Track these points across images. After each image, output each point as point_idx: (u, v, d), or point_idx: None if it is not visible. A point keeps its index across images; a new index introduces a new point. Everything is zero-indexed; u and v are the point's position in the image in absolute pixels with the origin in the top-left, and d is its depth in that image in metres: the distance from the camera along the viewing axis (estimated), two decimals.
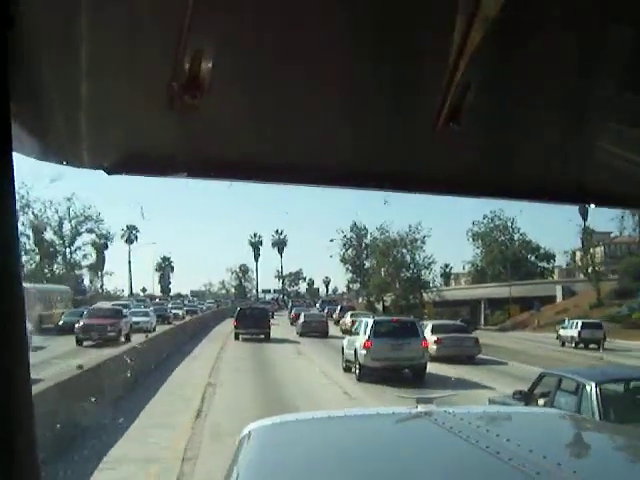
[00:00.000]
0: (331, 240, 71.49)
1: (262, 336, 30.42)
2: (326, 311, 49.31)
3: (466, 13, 0.70)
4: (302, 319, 34.86)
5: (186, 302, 67.45)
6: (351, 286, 77.90)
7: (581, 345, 30.56)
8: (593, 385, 6.61)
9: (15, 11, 0.69)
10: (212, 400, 13.87)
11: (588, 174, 1.04)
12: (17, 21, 0.69)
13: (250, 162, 0.94)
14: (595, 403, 6.44)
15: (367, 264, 71.38)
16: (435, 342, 21.39)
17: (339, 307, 51.97)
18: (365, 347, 18.33)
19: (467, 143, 0.93)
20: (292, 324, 41.05)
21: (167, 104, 0.77)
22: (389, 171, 0.99)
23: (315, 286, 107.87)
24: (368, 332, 18.69)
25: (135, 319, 31.94)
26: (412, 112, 0.88)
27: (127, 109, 0.85)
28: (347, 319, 37.46)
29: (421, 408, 2.80)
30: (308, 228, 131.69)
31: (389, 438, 2.68)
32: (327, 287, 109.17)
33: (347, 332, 32.20)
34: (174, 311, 48.53)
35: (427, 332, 21.25)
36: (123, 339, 26.40)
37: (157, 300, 69.40)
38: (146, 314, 35.38)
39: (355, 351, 18.69)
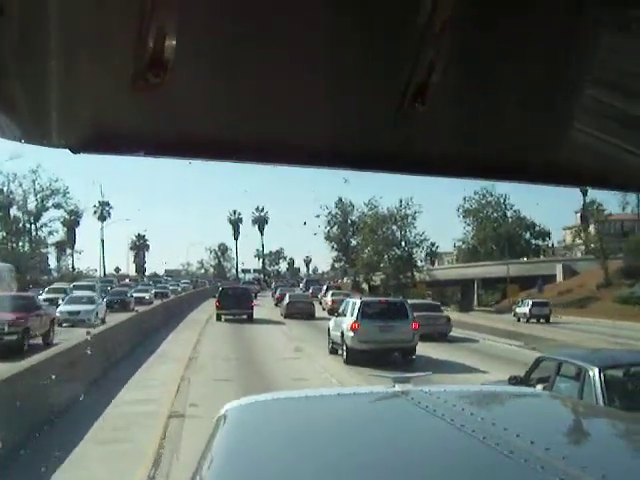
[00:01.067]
0: (317, 216, 71.10)
1: (245, 317, 30.94)
2: (311, 291, 49.77)
3: None
4: (287, 300, 34.84)
5: (160, 283, 63.63)
6: (336, 265, 78.23)
7: (532, 320, 38.24)
8: (596, 371, 6.37)
9: None
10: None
11: (555, 153, 1.06)
12: None
13: (216, 141, 0.97)
14: (599, 389, 6.20)
15: (353, 242, 71.59)
16: None
17: (325, 287, 52.15)
18: (352, 329, 18.28)
19: (433, 123, 0.96)
20: (277, 305, 41.21)
21: (131, 83, 0.79)
22: (357, 151, 1.03)
23: (296, 266, 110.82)
24: (355, 313, 18.60)
25: (69, 308, 25.68)
26: (378, 93, 0.92)
27: (92, 88, 0.87)
28: (328, 298, 38.69)
29: (398, 387, 2.90)
30: (289, 206, 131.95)
31: (366, 417, 2.76)
32: (308, 267, 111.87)
33: (332, 312, 32.86)
34: (139, 294, 42.27)
35: None
36: (41, 341, 18.93)
37: (127, 280, 66.71)
38: (90, 301, 27.50)
39: (342, 333, 18.72)
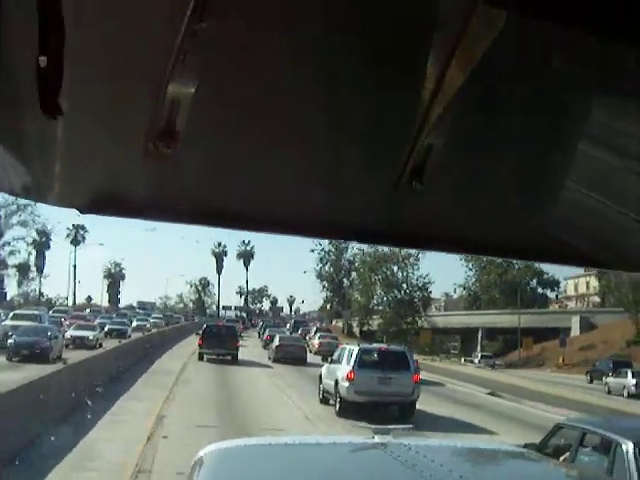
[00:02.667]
0: (311, 250, 70.99)
1: (229, 357, 30.98)
2: (300, 332, 49.87)
3: (432, 82, 0.83)
4: (277, 342, 34.48)
5: (125, 316, 58.81)
6: (327, 306, 77.74)
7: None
8: (630, 445, 5.98)
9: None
10: None
11: (549, 233, 1.16)
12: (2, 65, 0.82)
13: (221, 209, 1.10)
14: (633, 467, 5.81)
15: (346, 282, 71.34)
16: None
17: (314, 329, 52.39)
18: (347, 379, 17.93)
19: (429, 201, 1.07)
20: (265, 347, 40.94)
21: (142, 151, 0.88)
22: (355, 223, 1.16)
23: (279, 304, 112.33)
24: (352, 361, 18.25)
25: None
26: (377, 170, 1.03)
27: (103, 154, 0.98)
28: (315, 340, 40.72)
29: (377, 439, 3.02)
30: (275, 241, 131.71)
31: (343, 468, 2.90)
32: (291, 306, 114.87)
33: (318, 354, 34.51)
34: (77, 332, 31.64)
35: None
36: None
37: (87, 311, 61.38)
38: None
39: (336, 382, 18.40)
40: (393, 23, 0.80)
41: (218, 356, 30.56)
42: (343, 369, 18.40)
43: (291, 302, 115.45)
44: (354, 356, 18.40)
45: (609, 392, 32.14)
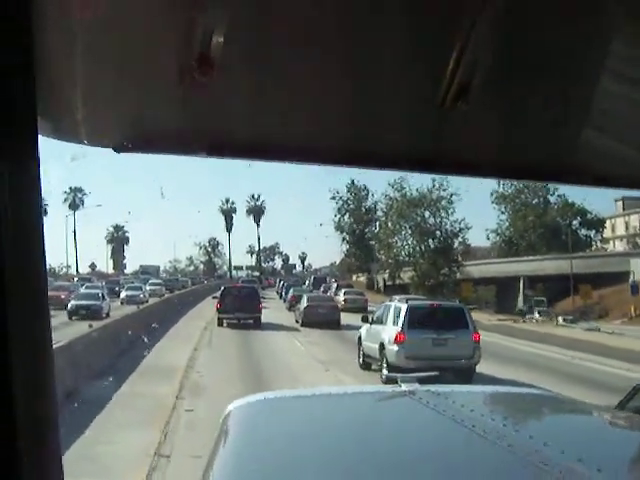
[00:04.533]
0: (332, 198, 69.36)
1: (250, 321, 30.24)
2: (322, 290, 50.05)
3: None
4: (305, 303, 32.91)
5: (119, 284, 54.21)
6: (348, 260, 76.42)
7: None
8: None
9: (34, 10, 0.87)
10: None
11: (594, 156, 1.22)
12: (36, 7, 0.87)
13: (259, 141, 1.13)
14: None
15: (368, 233, 70.05)
16: None
17: (334, 285, 52.34)
18: (397, 341, 17.10)
19: (475, 121, 1.11)
20: (290, 309, 39.95)
21: (177, 81, 0.94)
22: (395, 151, 1.19)
23: (290, 262, 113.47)
24: (400, 321, 17.19)
25: None
26: (420, 91, 1.06)
27: (136, 87, 1.03)
28: (340, 297, 40.40)
29: (405, 387, 3.21)
30: (281, 198, 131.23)
31: (373, 417, 3.15)
32: (303, 263, 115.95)
33: (344, 311, 33.72)
34: None
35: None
36: None
37: (73, 281, 56.80)
38: None
39: (381, 345, 17.71)
40: None
41: (239, 321, 29.81)
42: (390, 330, 17.68)
43: (303, 259, 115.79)
44: (403, 315, 17.50)
45: None
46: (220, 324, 30.14)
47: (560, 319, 41.50)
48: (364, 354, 19.01)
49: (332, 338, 26.67)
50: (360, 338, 19.88)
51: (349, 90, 1.07)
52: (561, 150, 1.21)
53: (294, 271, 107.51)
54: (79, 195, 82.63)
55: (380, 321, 18.86)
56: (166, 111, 1.09)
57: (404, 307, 17.89)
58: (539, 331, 31.87)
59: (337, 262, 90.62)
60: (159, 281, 63.37)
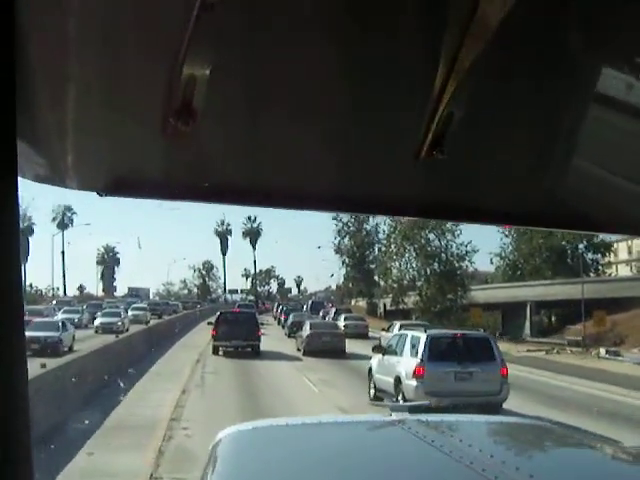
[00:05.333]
0: (334, 218, 67.68)
1: (249, 349, 28.67)
2: (321, 315, 49.73)
3: (452, 48, 0.90)
4: (307, 330, 31.15)
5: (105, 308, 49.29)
6: (348, 283, 76.00)
7: None
8: None
9: (19, 44, 0.89)
10: None
11: (569, 201, 1.27)
12: (20, 54, 0.89)
13: (240, 186, 1.17)
14: None
15: (369, 256, 69.35)
16: None
17: (333, 310, 51.68)
18: (415, 375, 15.45)
19: (450, 171, 1.15)
20: (290, 335, 38.47)
21: (160, 129, 0.96)
22: (376, 196, 1.23)
23: (286, 286, 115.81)
24: (420, 352, 15.51)
25: None
26: (397, 141, 1.10)
27: (121, 135, 1.06)
28: (340, 322, 39.43)
29: (395, 416, 3.39)
30: (277, 220, 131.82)
31: (362, 446, 3.21)
32: (299, 287, 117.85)
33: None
34: None
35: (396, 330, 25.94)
36: None
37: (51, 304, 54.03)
38: None
39: (397, 379, 16.21)
40: None
41: (237, 349, 28.15)
42: (407, 363, 16.22)
43: (299, 283, 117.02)
44: (422, 345, 15.90)
45: None
46: (215, 352, 28.49)
47: (602, 351, 38.02)
48: (376, 388, 17.58)
49: (343, 372, 24.32)
50: (371, 370, 18.42)
51: (332, 141, 1.10)
52: (533, 197, 1.26)
53: (289, 295, 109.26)
54: (68, 214, 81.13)
55: (394, 352, 17.35)
56: (149, 158, 1.11)
57: (423, 337, 16.20)
58: (584, 366, 28.66)
59: (333, 286, 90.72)
60: (143, 305, 55.49)
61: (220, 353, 28.16)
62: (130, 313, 46.25)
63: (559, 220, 1.34)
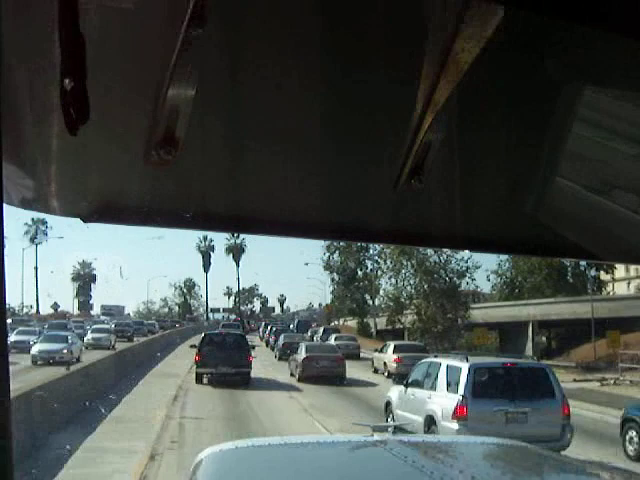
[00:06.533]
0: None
1: (237, 377, 24.91)
2: (309, 334, 48.83)
3: (429, 79, 0.93)
4: (303, 353, 28.22)
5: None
6: (337, 302, 73.17)
7: None
8: None
9: (4, 67, 0.90)
10: None
11: (553, 227, 1.29)
12: (5, 77, 0.91)
13: (223, 214, 1.22)
14: None
15: (360, 273, 67.21)
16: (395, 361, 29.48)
17: (321, 330, 51.25)
18: (457, 416, 12.43)
19: (428, 199, 1.19)
20: (280, 358, 36.10)
21: (143, 158, 0.98)
22: (357, 224, 1.29)
23: (269, 305, 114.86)
24: (462, 387, 12.57)
25: None
26: (377, 170, 1.15)
27: (104, 162, 1.09)
28: (331, 342, 37.88)
29: (377, 436, 3.55)
30: (260, 239, 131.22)
31: (344, 467, 3.28)
32: (282, 306, 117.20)
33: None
34: None
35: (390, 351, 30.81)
36: None
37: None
38: None
39: (430, 420, 13.40)
40: (387, 23, 0.90)
41: (224, 377, 24.42)
42: (442, 399, 13.23)
43: (282, 301, 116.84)
44: (464, 378, 12.91)
45: None
46: (199, 381, 24.88)
47: None
48: (396, 427, 14.30)
49: (351, 404, 20.79)
50: (389, 405, 15.61)
51: (314, 171, 1.16)
52: (514, 223, 1.30)
53: (272, 314, 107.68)
54: (42, 228, 77.61)
55: (421, 384, 14.61)
56: (133, 186, 1.14)
57: (464, 367, 13.22)
58: None
59: (316, 305, 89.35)
60: (105, 326, 46.67)
61: (204, 381, 24.58)
62: (90, 336, 40.08)
63: (544, 247, 1.37)
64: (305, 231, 1.31)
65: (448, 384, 13.29)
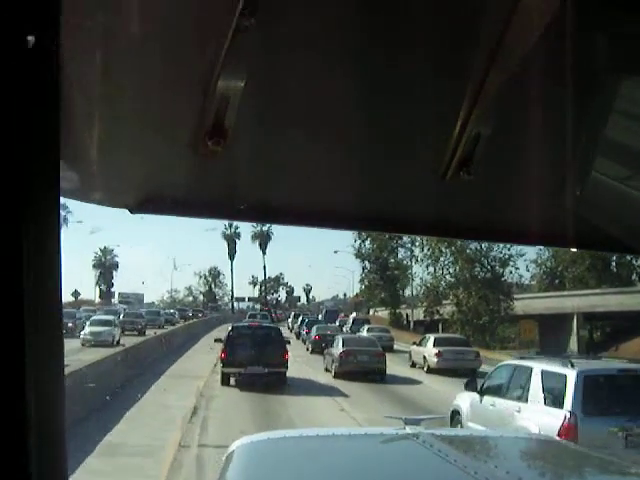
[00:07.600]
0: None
1: (271, 378, 21.51)
2: (337, 324, 47.31)
3: (480, 70, 0.94)
4: (340, 347, 25.76)
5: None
6: (370, 292, 70.68)
7: None
8: None
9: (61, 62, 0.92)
10: None
11: (602, 221, 1.27)
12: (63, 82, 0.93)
13: (271, 206, 1.22)
14: None
15: (393, 261, 65.03)
16: (436, 355, 27.91)
17: (351, 319, 50.43)
18: (564, 437, 9.47)
19: (476, 191, 1.20)
20: (313, 350, 34.40)
21: (192, 149, 1.01)
22: (402, 215, 1.29)
23: (295, 294, 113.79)
24: (569, 400, 10.05)
25: None
26: (424, 161, 1.15)
27: (152, 152, 1.13)
28: (363, 334, 36.76)
29: (409, 429, 3.49)
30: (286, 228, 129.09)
31: (375, 459, 3.27)
32: (307, 296, 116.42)
33: None
34: None
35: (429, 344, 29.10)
36: None
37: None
38: None
39: None
40: (437, 11, 0.90)
41: (255, 378, 20.99)
42: (538, 414, 10.50)
43: (308, 291, 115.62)
44: (571, 388, 10.32)
45: None
46: (225, 382, 21.43)
47: None
48: None
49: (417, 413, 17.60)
50: (456, 414, 13.10)
51: (359, 161, 1.16)
52: (564, 217, 1.27)
53: (298, 304, 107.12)
54: (63, 212, 76.20)
55: (504, 392, 11.93)
56: (180, 177, 1.17)
57: (571, 374, 10.45)
58: None
59: (344, 295, 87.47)
60: (107, 317, 37.38)
61: (232, 383, 21.33)
62: (87, 330, 33.45)
63: (593, 240, 1.34)
64: (351, 222, 1.33)
65: (546, 395, 10.62)
